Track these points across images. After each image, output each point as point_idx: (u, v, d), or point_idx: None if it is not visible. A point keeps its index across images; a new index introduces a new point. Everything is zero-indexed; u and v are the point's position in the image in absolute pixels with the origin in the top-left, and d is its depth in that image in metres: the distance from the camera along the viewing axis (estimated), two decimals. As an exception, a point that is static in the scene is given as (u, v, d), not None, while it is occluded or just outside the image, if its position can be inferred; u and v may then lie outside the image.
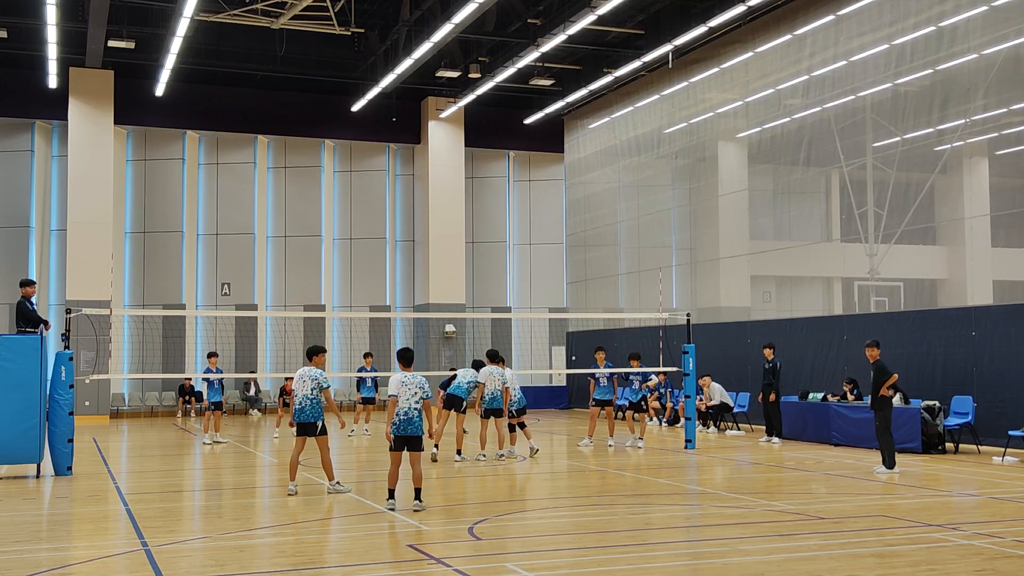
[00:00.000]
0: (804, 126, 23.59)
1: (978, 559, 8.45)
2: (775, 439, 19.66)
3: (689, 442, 18.47)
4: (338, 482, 12.63)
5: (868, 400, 15.80)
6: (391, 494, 11.23)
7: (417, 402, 11.08)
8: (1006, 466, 15.32)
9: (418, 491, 11.17)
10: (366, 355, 22.48)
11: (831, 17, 22.09)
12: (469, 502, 12.43)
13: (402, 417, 11.04)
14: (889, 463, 14.60)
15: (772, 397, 19.81)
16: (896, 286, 23.24)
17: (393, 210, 34.40)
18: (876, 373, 14.85)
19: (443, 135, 32.91)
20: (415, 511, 11.00)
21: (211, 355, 20.84)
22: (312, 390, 12.40)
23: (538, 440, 20.63)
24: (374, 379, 22.30)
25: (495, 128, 34.17)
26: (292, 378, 22.34)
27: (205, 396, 20.29)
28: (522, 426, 17.12)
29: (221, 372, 20.88)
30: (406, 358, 11.46)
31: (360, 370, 22.40)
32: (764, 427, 20.25)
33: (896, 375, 14.86)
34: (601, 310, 31.37)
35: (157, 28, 25.49)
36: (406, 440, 11.07)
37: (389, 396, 11.22)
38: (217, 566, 8.35)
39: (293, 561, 8.66)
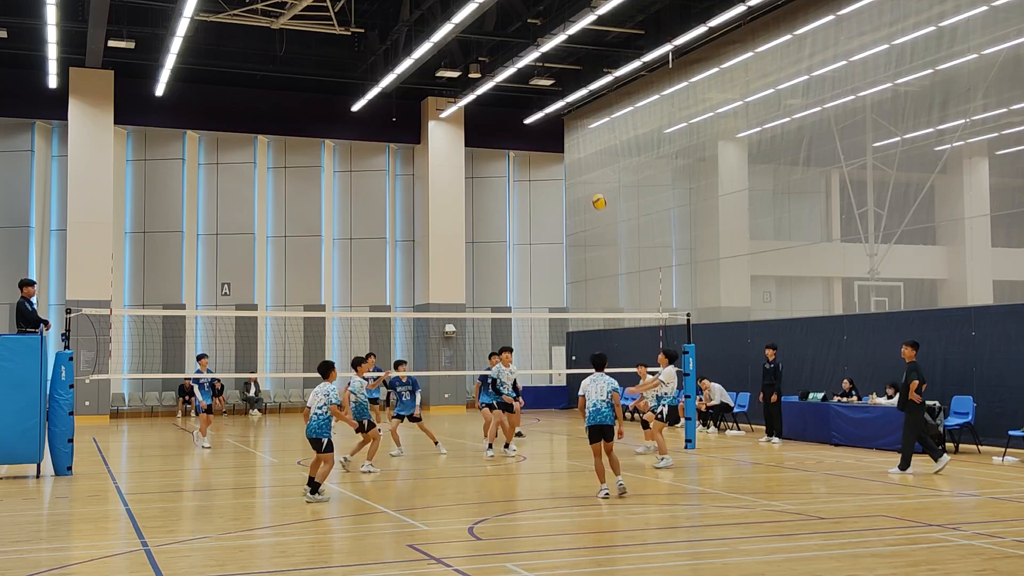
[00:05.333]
0: (804, 126, 23.59)
1: (978, 559, 8.45)
2: (775, 439, 19.66)
3: (689, 442, 18.47)
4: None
5: (894, 400, 15.83)
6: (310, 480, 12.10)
7: (319, 407, 12.03)
8: (1006, 466, 15.32)
9: (312, 478, 11.92)
10: (370, 355, 22.26)
11: (831, 17, 22.08)
12: (469, 502, 12.43)
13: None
14: (903, 464, 14.42)
15: (774, 398, 19.79)
16: (896, 286, 23.24)
17: (393, 210, 34.40)
18: (907, 375, 14.56)
19: (443, 135, 32.91)
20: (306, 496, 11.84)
21: (201, 357, 20.49)
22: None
23: (537, 440, 20.64)
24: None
25: (495, 128, 34.16)
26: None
27: (200, 398, 20.03)
28: None
29: (212, 373, 20.64)
30: (322, 370, 12.42)
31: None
32: (764, 427, 20.25)
33: (917, 382, 14.49)
34: (601, 310, 31.37)
35: (157, 28, 25.50)
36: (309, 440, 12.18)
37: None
38: (217, 566, 8.35)
39: (293, 561, 8.66)
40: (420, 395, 17.83)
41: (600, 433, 12.00)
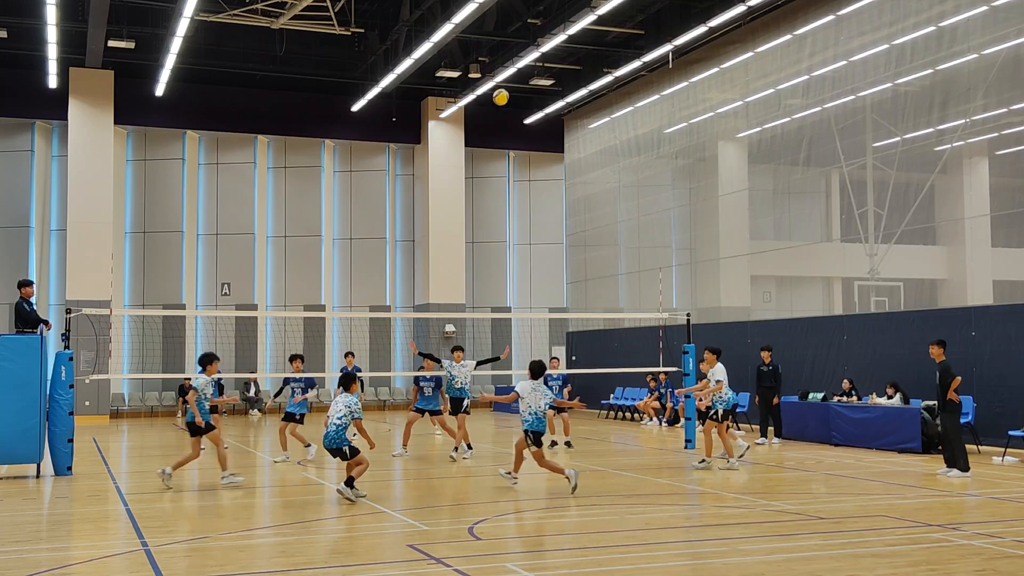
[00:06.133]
0: (804, 126, 23.59)
1: (978, 559, 8.45)
2: (775, 440, 19.64)
3: (689, 442, 18.46)
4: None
5: (929, 403, 15.82)
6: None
7: (339, 417, 12.01)
8: (1006, 466, 15.32)
9: (350, 479, 11.92)
10: (347, 354, 22.03)
11: (831, 17, 22.09)
12: (469, 502, 12.43)
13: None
14: (963, 466, 13.96)
15: (775, 401, 19.75)
16: (896, 286, 23.25)
17: (393, 210, 34.41)
18: (942, 374, 14.18)
19: (443, 135, 32.91)
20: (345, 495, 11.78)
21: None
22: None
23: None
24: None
25: (495, 128, 34.17)
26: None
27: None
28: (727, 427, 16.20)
29: (220, 374, 20.29)
30: (344, 383, 12.42)
31: (342, 370, 21.98)
32: (760, 428, 20.23)
33: (960, 378, 14.16)
34: (601, 310, 31.37)
35: (157, 28, 25.50)
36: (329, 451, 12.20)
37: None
38: (217, 566, 8.35)
39: (293, 561, 8.66)
40: (313, 395, 17.22)
41: (535, 437, 12.82)
